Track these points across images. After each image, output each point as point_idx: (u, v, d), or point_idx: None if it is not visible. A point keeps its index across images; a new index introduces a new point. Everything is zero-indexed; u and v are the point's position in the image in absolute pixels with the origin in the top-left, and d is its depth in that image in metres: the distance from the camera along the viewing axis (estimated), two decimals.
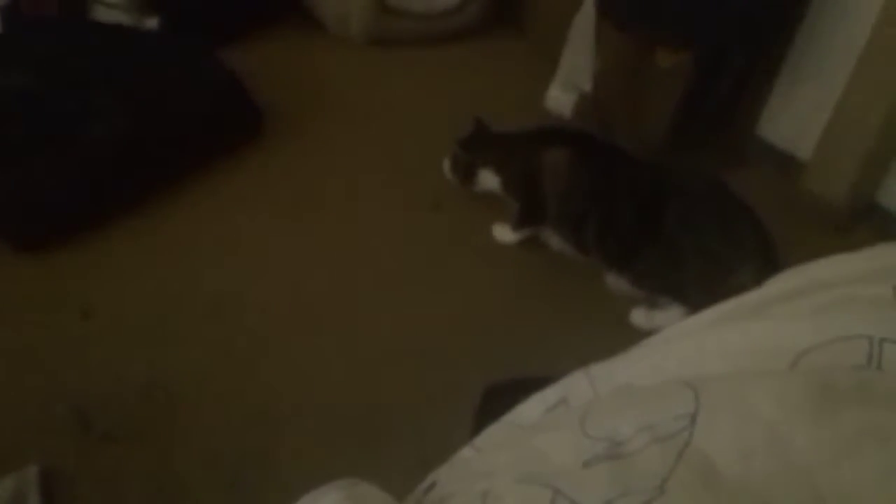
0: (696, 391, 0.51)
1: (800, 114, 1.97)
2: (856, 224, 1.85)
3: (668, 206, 1.49)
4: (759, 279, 1.35)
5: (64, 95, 1.74)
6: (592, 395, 0.65)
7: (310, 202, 1.84)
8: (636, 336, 1.50)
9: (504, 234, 1.76)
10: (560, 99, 2.13)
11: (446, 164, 1.80)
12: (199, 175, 1.82)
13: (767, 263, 1.38)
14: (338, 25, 2.49)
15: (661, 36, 1.88)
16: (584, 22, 2.03)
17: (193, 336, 1.46)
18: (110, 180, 1.67)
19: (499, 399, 1.16)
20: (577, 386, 0.68)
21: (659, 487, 0.45)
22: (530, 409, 0.70)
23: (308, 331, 1.51)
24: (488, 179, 1.74)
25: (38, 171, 1.59)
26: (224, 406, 1.34)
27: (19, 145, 1.61)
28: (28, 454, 1.20)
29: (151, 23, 2.29)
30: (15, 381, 1.33)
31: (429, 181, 1.86)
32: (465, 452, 0.71)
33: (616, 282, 1.59)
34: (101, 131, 1.68)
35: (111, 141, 1.67)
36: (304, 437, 1.30)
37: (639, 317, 1.57)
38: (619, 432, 0.51)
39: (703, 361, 0.59)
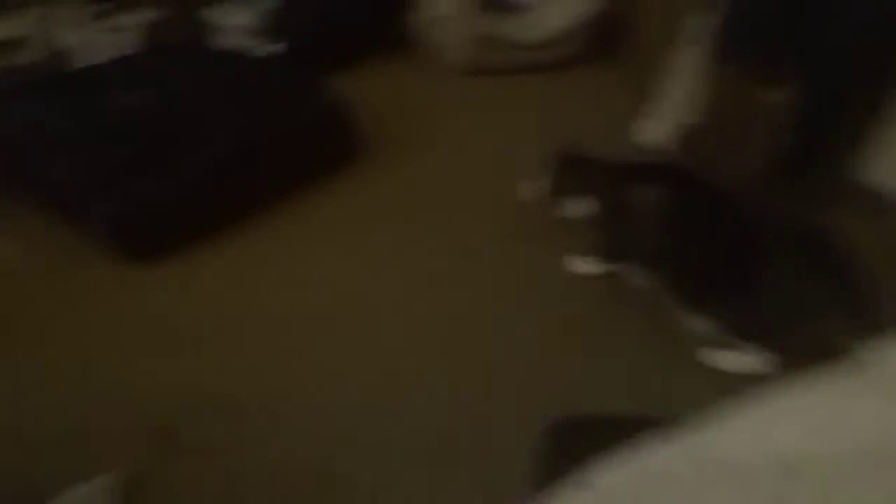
0: (793, 474, 0.48)
1: None
2: None
3: (758, 248, 1.42)
4: (849, 329, 1.28)
5: (180, 116, 1.87)
6: (690, 469, 0.61)
7: (399, 225, 1.88)
8: (707, 374, 1.47)
9: (584, 265, 1.74)
10: (656, 130, 2.09)
11: (532, 185, 1.77)
12: (298, 196, 1.91)
13: (860, 313, 1.29)
14: (439, 55, 2.56)
15: (767, 71, 1.82)
16: (689, 54, 1.99)
17: (275, 352, 1.51)
18: (214, 199, 1.77)
19: (561, 434, 1.15)
20: (660, 452, 0.65)
21: None
22: (609, 471, 0.67)
23: (382, 352, 1.54)
24: (577, 205, 1.72)
25: (150, 187, 1.70)
26: (298, 422, 1.38)
27: (135, 161, 1.73)
28: (113, 460, 1.26)
29: (270, 49, 2.44)
30: (105, 389, 1.40)
31: (517, 208, 1.87)
32: None
33: (694, 321, 1.53)
34: (210, 153, 1.78)
35: (219, 162, 1.77)
36: (369, 458, 1.32)
37: (712, 356, 1.50)
38: None
39: (804, 437, 0.55)
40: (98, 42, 2.28)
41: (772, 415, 0.63)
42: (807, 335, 1.34)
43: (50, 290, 1.61)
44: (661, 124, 2.08)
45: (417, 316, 1.63)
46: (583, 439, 1.11)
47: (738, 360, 1.47)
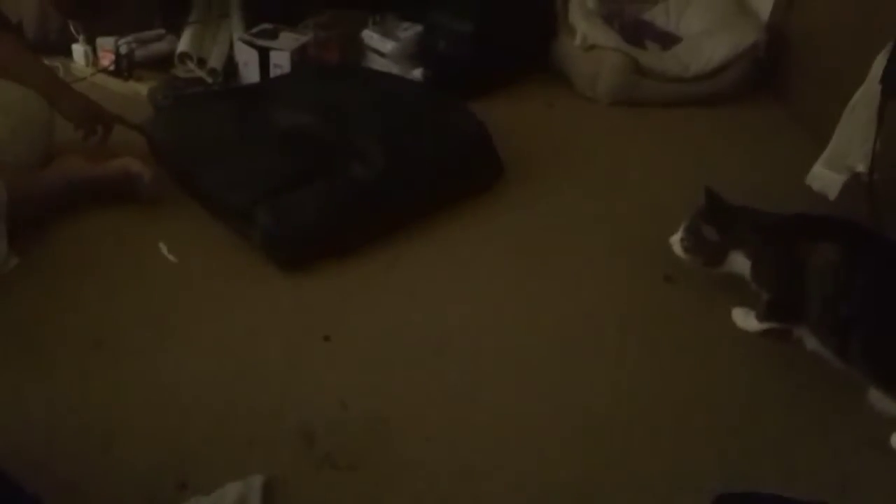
0: None
1: None
2: None
3: None
4: None
5: (334, 135, 1.92)
6: None
7: (539, 256, 1.84)
8: (892, 462, 1.32)
9: (747, 321, 1.61)
10: (826, 178, 1.92)
11: (680, 241, 1.67)
12: (439, 218, 1.91)
13: None
14: (587, 84, 2.50)
15: None
16: (866, 96, 1.83)
17: (416, 373, 1.51)
18: (363, 216, 1.81)
19: None
20: None
21: None
22: None
23: (522, 388, 1.49)
24: (738, 263, 1.61)
25: (306, 201, 1.76)
26: (434, 449, 1.36)
27: (293, 176, 1.81)
28: (255, 462, 1.29)
29: (416, 73, 2.48)
30: (253, 392, 1.44)
31: (662, 251, 1.78)
32: None
33: (881, 400, 1.38)
34: (362, 172, 1.83)
35: (370, 181, 1.81)
36: (501, 495, 1.28)
37: None
38: None
39: None
40: (257, 59, 2.38)
41: None
42: None
43: (209, 291, 1.68)
44: (832, 171, 1.92)
45: (562, 360, 1.57)
46: None
47: None
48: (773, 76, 2.49)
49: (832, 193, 1.92)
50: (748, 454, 1.36)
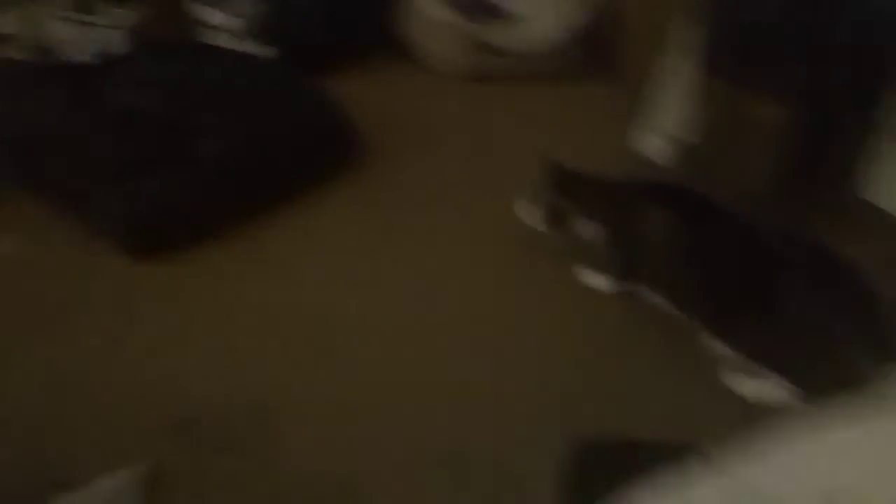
0: None
1: None
2: None
3: (778, 273, 1.44)
4: (872, 356, 1.31)
5: (178, 116, 1.84)
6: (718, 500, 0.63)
7: (404, 231, 1.88)
8: (729, 399, 1.50)
9: (596, 280, 1.75)
10: (652, 144, 2.12)
11: (529, 210, 1.76)
12: (298, 199, 1.90)
13: (882, 342, 1.32)
14: (436, 61, 2.56)
15: (763, 87, 1.85)
16: (684, 67, 2.02)
17: (292, 355, 1.52)
18: (216, 198, 1.77)
19: (587, 457, 1.16)
20: (698, 485, 0.66)
21: None
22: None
23: (395, 360, 1.54)
24: (586, 229, 1.73)
25: (154, 185, 1.69)
26: (315, 426, 1.38)
27: (138, 159, 1.72)
28: (135, 452, 1.27)
29: (262, 51, 2.41)
30: (133, 384, 1.41)
31: (517, 220, 1.88)
32: None
33: (715, 345, 1.55)
34: (210, 152, 1.77)
35: (219, 163, 1.76)
36: (385, 467, 1.32)
37: (734, 381, 1.53)
38: None
39: (843, 469, 0.57)
40: (85, 38, 2.22)
41: (815, 449, 0.64)
42: (829, 366, 1.37)
43: (56, 285, 1.60)
44: (658, 138, 2.11)
45: (430, 326, 1.63)
46: (608, 464, 1.12)
47: (760, 387, 1.49)
48: (604, 51, 2.67)
49: (658, 158, 2.12)
50: (600, 399, 1.49)
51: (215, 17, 2.41)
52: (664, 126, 2.11)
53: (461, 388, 1.49)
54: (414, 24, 2.58)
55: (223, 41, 2.40)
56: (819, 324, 1.37)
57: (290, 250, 1.78)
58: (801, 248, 1.49)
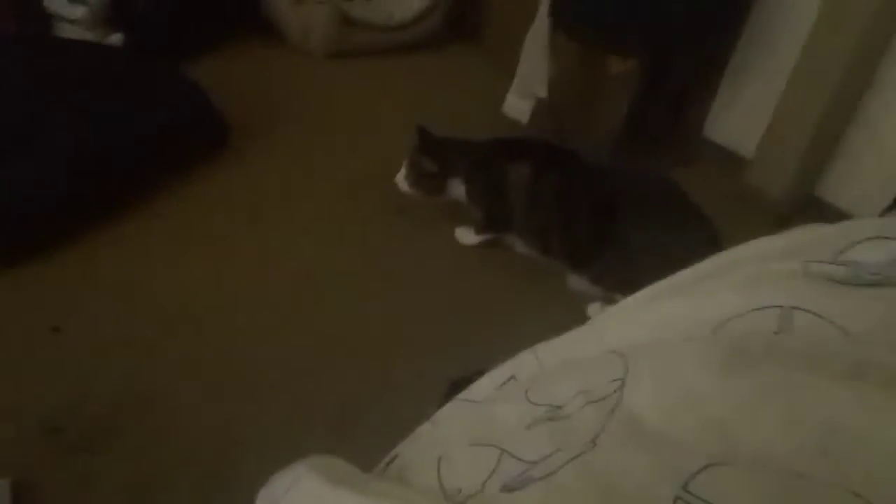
0: (625, 358, 0.56)
1: (744, 113, 2.07)
2: (796, 216, 1.95)
3: (622, 208, 1.56)
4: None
5: (24, 112, 1.75)
6: (538, 368, 0.70)
7: (274, 211, 1.88)
8: None
9: (466, 236, 1.82)
10: (517, 105, 2.19)
11: (404, 179, 1.80)
12: (165, 186, 1.86)
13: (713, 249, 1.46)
14: (299, 38, 2.54)
15: (608, 44, 1.96)
16: (539, 31, 2.10)
17: (162, 344, 1.49)
18: (73, 192, 1.69)
19: (460, 389, 1.22)
20: (524, 363, 0.73)
21: (591, 441, 0.50)
22: (482, 386, 0.75)
23: (273, 335, 1.55)
24: (455, 189, 1.78)
25: (4, 184, 1.61)
26: (192, 410, 1.37)
27: None
28: (3, 464, 1.21)
29: (115, 39, 2.31)
30: None
31: (391, 188, 1.91)
32: (424, 427, 0.76)
33: (576, 281, 1.66)
34: (66, 147, 1.70)
35: (77, 157, 1.70)
36: (270, 439, 1.33)
37: (595, 310, 1.64)
38: (559, 398, 0.57)
39: (635, 333, 0.64)
40: None
41: (606, 319, 0.73)
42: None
43: None
44: (521, 99, 2.19)
45: (311, 296, 1.65)
46: None
47: None
48: (466, 20, 2.73)
49: (524, 118, 2.20)
50: (477, 343, 1.55)
51: (62, 7, 2.28)
52: (525, 87, 2.19)
53: (339, 347, 1.53)
54: (278, 3, 2.55)
55: (70, 32, 2.29)
56: (663, 247, 1.49)
57: (156, 239, 1.74)
58: (639, 183, 1.62)
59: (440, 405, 1.18)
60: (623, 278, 1.58)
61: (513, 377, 0.71)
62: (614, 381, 0.55)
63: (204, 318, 1.55)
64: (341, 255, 1.77)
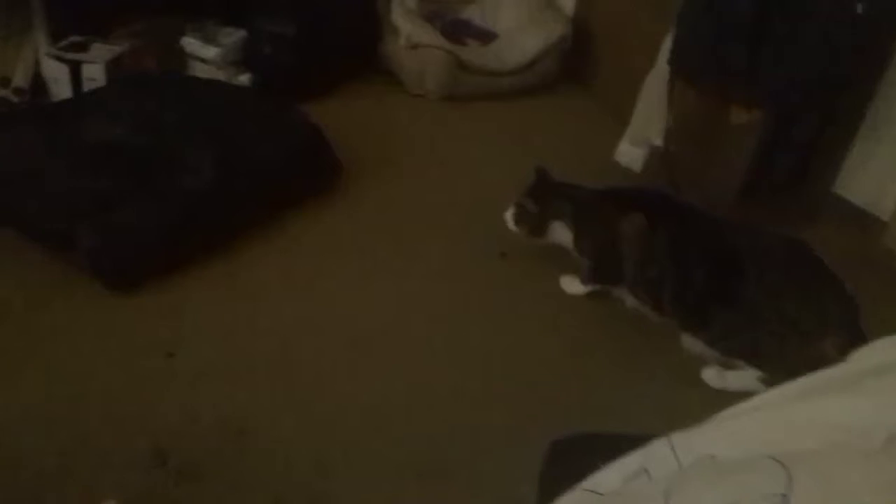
0: (787, 469, 0.50)
1: (879, 171, 1.92)
2: None
3: (747, 269, 1.46)
4: (841, 349, 1.32)
5: (157, 147, 1.86)
6: (676, 466, 0.63)
7: (378, 251, 1.90)
8: (707, 396, 1.50)
9: (572, 285, 1.76)
10: (630, 153, 2.14)
11: (510, 216, 1.78)
12: (279, 223, 1.91)
13: (851, 333, 1.34)
14: (414, 82, 2.60)
15: (733, 93, 1.88)
16: (657, 77, 2.05)
17: (264, 376, 1.52)
18: (197, 227, 1.77)
19: (565, 455, 1.16)
20: (658, 455, 0.66)
21: None
22: (609, 476, 0.69)
23: (371, 374, 1.55)
24: (559, 233, 1.74)
25: (133, 217, 1.70)
26: (290, 446, 1.38)
27: (117, 192, 1.73)
28: (107, 487, 1.25)
29: (243, 79, 2.45)
30: (100, 416, 1.40)
31: (496, 231, 1.89)
32: None
33: (690, 341, 1.57)
34: (191, 182, 1.79)
35: (200, 191, 1.78)
36: (364, 481, 1.32)
37: (711, 376, 1.54)
38: None
39: (792, 436, 0.57)
40: (68, 74, 2.25)
41: (770, 417, 0.65)
42: (802, 354, 1.38)
43: (35, 321, 1.59)
44: (635, 146, 2.13)
45: (409, 339, 1.64)
46: (587, 459, 1.12)
47: (738, 379, 1.50)
48: (579, 65, 2.71)
49: (637, 167, 2.14)
50: (580, 401, 1.50)
51: (198, 48, 2.44)
52: (640, 135, 2.13)
53: (434, 395, 1.50)
54: (393, 47, 2.62)
55: (203, 71, 2.44)
56: (789, 314, 1.38)
57: (266, 274, 1.78)
58: (764, 243, 1.51)
59: (543, 468, 1.14)
60: (745, 346, 1.48)
61: (644, 470, 0.65)
62: (772, 495, 0.48)
63: (304, 356, 1.57)
64: (441, 298, 1.76)
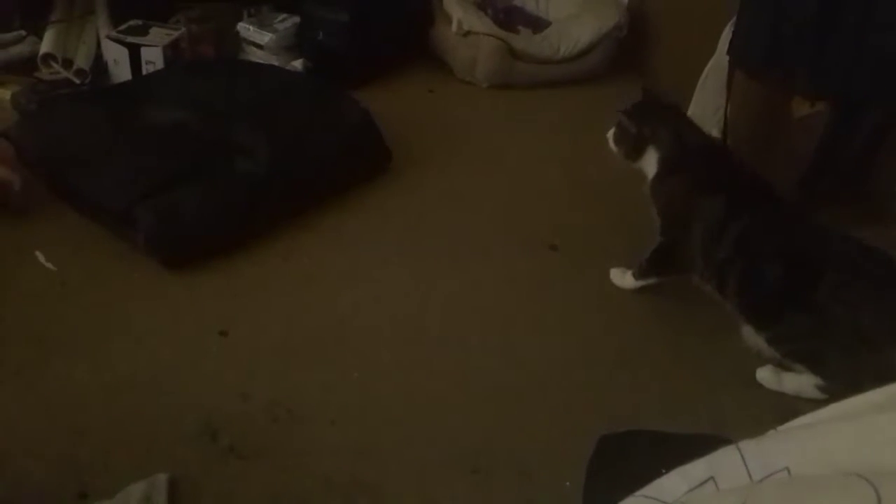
0: (875, 488, 0.47)
1: None
2: None
3: (825, 273, 1.39)
4: None
5: (214, 130, 1.90)
6: (746, 477, 0.60)
7: (426, 238, 1.89)
8: (761, 395, 1.47)
9: (624, 279, 1.73)
10: None
11: (610, 135, 1.69)
12: (330, 207, 1.93)
13: None
14: (465, 69, 2.58)
15: (796, 85, 1.81)
16: (716, 68, 2.00)
17: (315, 359, 1.53)
18: (251, 209, 1.80)
19: (613, 450, 1.15)
20: (727, 465, 0.63)
21: None
22: (672, 484, 0.65)
23: (420, 364, 1.55)
24: (648, 162, 1.64)
25: (189, 199, 1.73)
26: (339, 430, 1.39)
27: (173, 174, 1.77)
28: (159, 462, 1.28)
29: (296, 64, 2.47)
30: (152, 390, 1.43)
31: (546, 221, 1.87)
32: None
33: (751, 336, 1.52)
34: (246, 166, 1.82)
35: (255, 175, 1.80)
36: (412, 470, 1.33)
37: (766, 376, 1.50)
38: None
39: (879, 451, 0.54)
40: (128, 57, 2.30)
41: (851, 432, 0.62)
42: (870, 365, 1.33)
43: (92, 299, 1.63)
44: None
45: (457, 330, 1.63)
46: (633, 456, 1.11)
47: (794, 382, 1.46)
48: (634, 54, 2.65)
49: None
50: (629, 397, 1.48)
51: (253, 33, 2.47)
52: (699, 125, 2.07)
53: (483, 387, 1.50)
54: (445, 34, 2.61)
55: (257, 56, 2.47)
56: (859, 322, 1.33)
57: (318, 258, 1.80)
58: (845, 248, 1.44)
59: (591, 462, 1.13)
60: (810, 352, 1.43)
61: (711, 479, 0.62)
62: None
63: (354, 342, 1.58)
64: (489, 289, 1.75)
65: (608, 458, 1.09)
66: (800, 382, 1.45)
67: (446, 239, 1.89)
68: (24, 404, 1.39)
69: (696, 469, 0.64)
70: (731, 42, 1.91)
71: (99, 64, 2.37)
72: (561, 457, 1.31)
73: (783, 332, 1.45)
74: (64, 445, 1.31)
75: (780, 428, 0.64)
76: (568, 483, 1.26)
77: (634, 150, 1.64)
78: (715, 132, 2.02)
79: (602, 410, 1.43)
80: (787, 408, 1.43)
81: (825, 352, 1.40)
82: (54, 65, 2.32)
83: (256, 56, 2.48)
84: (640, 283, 1.71)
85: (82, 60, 2.34)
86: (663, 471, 0.66)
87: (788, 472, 0.57)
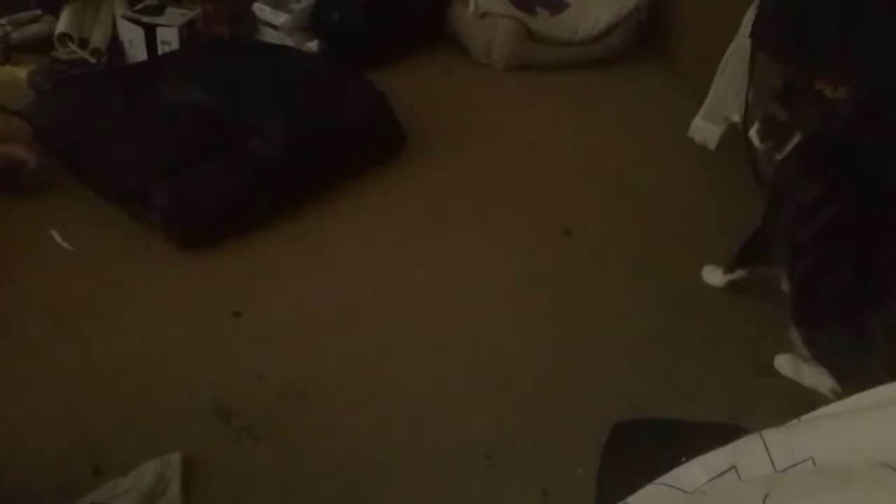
0: None
1: None
2: None
3: (886, 298, 1.29)
4: None
5: (229, 111, 1.89)
6: (770, 467, 0.59)
7: (445, 220, 1.89)
8: (777, 385, 1.45)
9: (714, 276, 1.69)
10: (705, 129, 2.06)
11: (755, 133, 1.58)
12: (344, 188, 1.92)
13: None
14: (482, 51, 2.55)
15: (819, 69, 1.77)
16: (738, 51, 1.96)
17: (329, 341, 1.53)
18: (266, 190, 1.80)
19: (628, 436, 1.14)
20: (749, 454, 0.61)
21: None
22: (692, 473, 0.64)
23: (434, 346, 1.54)
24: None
25: (204, 178, 1.73)
26: (352, 412, 1.39)
27: (189, 154, 1.77)
28: (172, 441, 1.29)
29: (311, 45, 2.45)
30: (166, 370, 1.44)
31: (561, 206, 1.85)
32: None
33: (792, 331, 1.46)
34: (262, 147, 1.82)
35: (271, 156, 1.80)
36: (424, 454, 1.32)
37: (784, 364, 1.47)
38: None
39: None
40: (143, 37, 2.29)
41: (876, 423, 0.60)
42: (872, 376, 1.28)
43: (109, 277, 1.64)
44: (710, 123, 2.05)
45: (466, 316, 1.62)
46: (648, 442, 1.10)
47: (812, 377, 1.44)
48: (654, 37, 2.61)
49: (711, 144, 2.06)
50: (644, 384, 1.47)
51: (268, 14, 2.46)
52: (717, 111, 2.05)
53: (497, 371, 1.49)
54: (461, 15, 2.58)
55: (273, 37, 2.45)
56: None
57: (333, 240, 1.79)
58: None
59: (605, 448, 1.12)
60: (842, 368, 1.37)
61: (733, 468, 0.60)
62: None
63: (369, 324, 1.58)
64: (505, 271, 1.74)
65: (623, 444, 1.09)
66: (818, 379, 1.43)
67: (462, 221, 1.88)
68: (40, 382, 1.40)
69: (717, 458, 0.62)
70: (753, 25, 1.88)
71: (115, 44, 2.36)
72: (575, 443, 1.31)
73: (820, 341, 1.40)
74: (78, 422, 1.32)
75: (804, 417, 0.62)
76: (581, 469, 1.25)
77: (785, 139, 1.52)
78: (736, 117, 2.00)
79: (617, 397, 1.42)
80: (803, 398, 1.42)
81: (856, 374, 1.34)
82: (70, 44, 2.32)
83: (271, 37, 2.46)
84: (729, 277, 1.66)
85: (98, 40, 2.34)
86: (683, 459, 0.65)
87: (813, 462, 0.56)
